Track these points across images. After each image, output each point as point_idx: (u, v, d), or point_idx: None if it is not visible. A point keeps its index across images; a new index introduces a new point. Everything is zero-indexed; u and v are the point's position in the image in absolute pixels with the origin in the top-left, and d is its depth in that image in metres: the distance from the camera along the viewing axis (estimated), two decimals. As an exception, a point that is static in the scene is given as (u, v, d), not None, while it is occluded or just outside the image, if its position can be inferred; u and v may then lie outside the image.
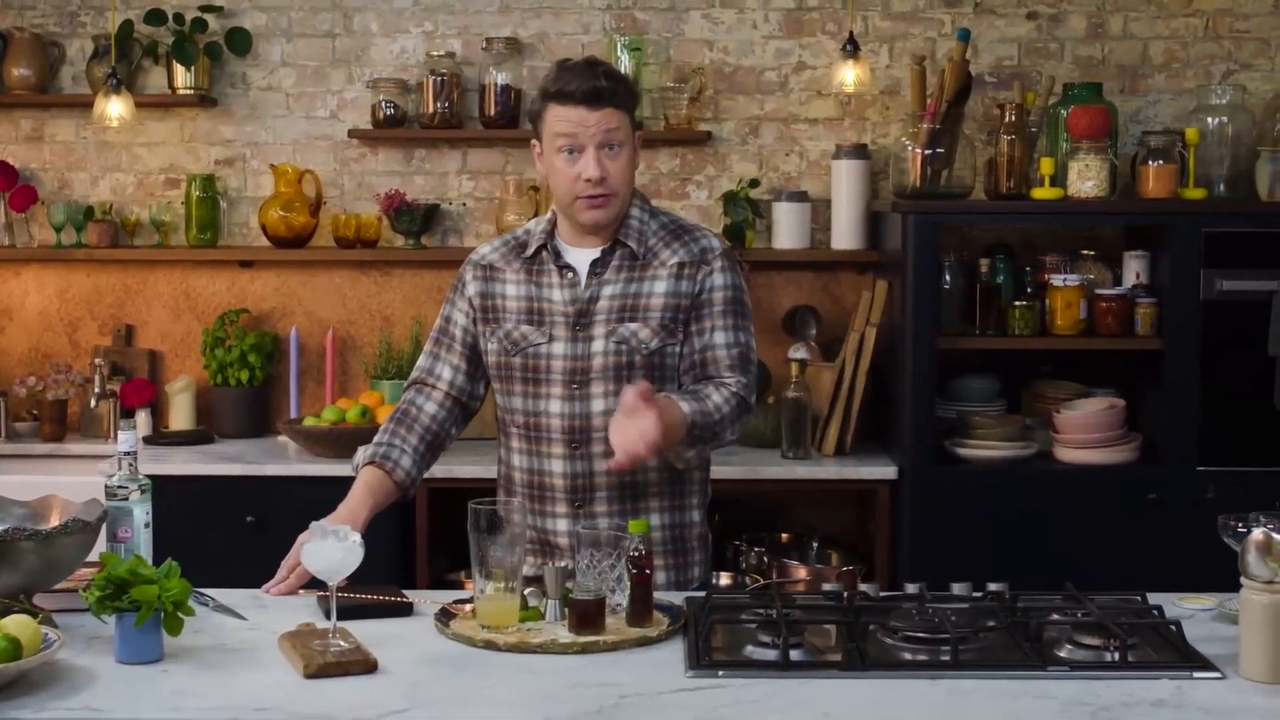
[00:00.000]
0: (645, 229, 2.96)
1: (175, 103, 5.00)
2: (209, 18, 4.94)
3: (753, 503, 4.82)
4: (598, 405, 2.89)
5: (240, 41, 4.98)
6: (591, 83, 2.84)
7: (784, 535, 4.75)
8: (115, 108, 4.74)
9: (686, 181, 5.03)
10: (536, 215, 4.40)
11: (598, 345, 2.89)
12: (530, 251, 2.98)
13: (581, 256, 2.95)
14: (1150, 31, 4.96)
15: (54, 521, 2.67)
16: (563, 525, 2.93)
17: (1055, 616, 2.55)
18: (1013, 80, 4.89)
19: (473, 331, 3.02)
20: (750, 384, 2.91)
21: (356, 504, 2.88)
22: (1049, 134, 4.69)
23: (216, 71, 5.03)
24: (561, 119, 2.85)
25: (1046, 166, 4.48)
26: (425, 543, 4.46)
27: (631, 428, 2.64)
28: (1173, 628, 2.49)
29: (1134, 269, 4.56)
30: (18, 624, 2.28)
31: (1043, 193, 4.49)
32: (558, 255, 2.96)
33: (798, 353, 4.75)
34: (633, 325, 2.90)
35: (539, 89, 2.93)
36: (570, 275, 2.94)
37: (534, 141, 2.97)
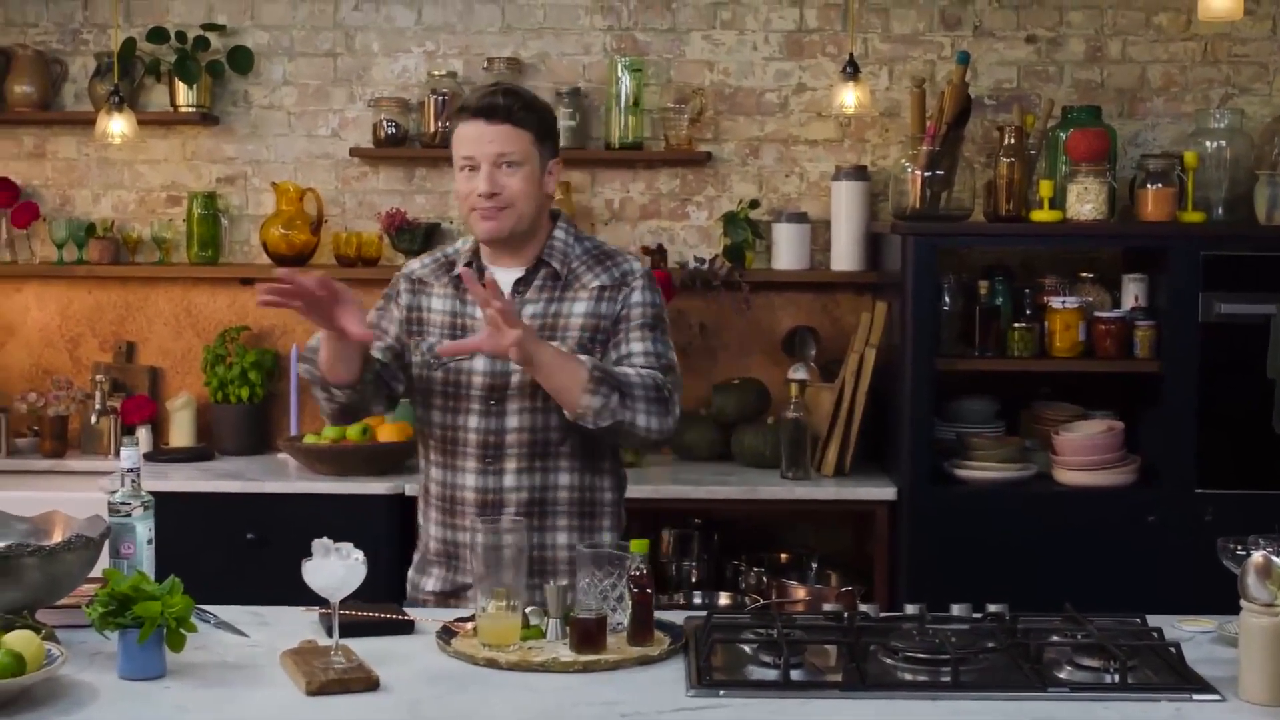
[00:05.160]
0: (570, 251, 3.00)
1: (177, 120, 5.01)
2: (211, 36, 4.96)
3: (751, 523, 4.83)
4: (512, 421, 2.93)
5: (242, 60, 5.00)
6: (489, 99, 2.90)
7: (783, 555, 4.75)
8: (117, 125, 4.76)
9: (686, 202, 5.04)
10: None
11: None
12: (457, 269, 3.01)
13: (505, 276, 2.98)
14: (1149, 55, 4.97)
15: (56, 537, 2.67)
16: (467, 539, 2.93)
17: (1055, 638, 2.56)
18: (1012, 103, 4.91)
19: (401, 338, 3.05)
20: (669, 384, 2.90)
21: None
22: (1048, 157, 4.70)
23: (218, 90, 5.04)
24: (461, 137, 2.93)
25: (1045, 189, 4.50)
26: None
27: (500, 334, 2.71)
28: (1172, 650, 2.50)
29: (1133, 292, 4.56)
30: (21, 640, 2.28)
31: (1042, 215, 4.50)
32: (481, 274, 2.98)
33: (797, 373, 4.76)
34: (552, 345, 2.90)
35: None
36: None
37: None
